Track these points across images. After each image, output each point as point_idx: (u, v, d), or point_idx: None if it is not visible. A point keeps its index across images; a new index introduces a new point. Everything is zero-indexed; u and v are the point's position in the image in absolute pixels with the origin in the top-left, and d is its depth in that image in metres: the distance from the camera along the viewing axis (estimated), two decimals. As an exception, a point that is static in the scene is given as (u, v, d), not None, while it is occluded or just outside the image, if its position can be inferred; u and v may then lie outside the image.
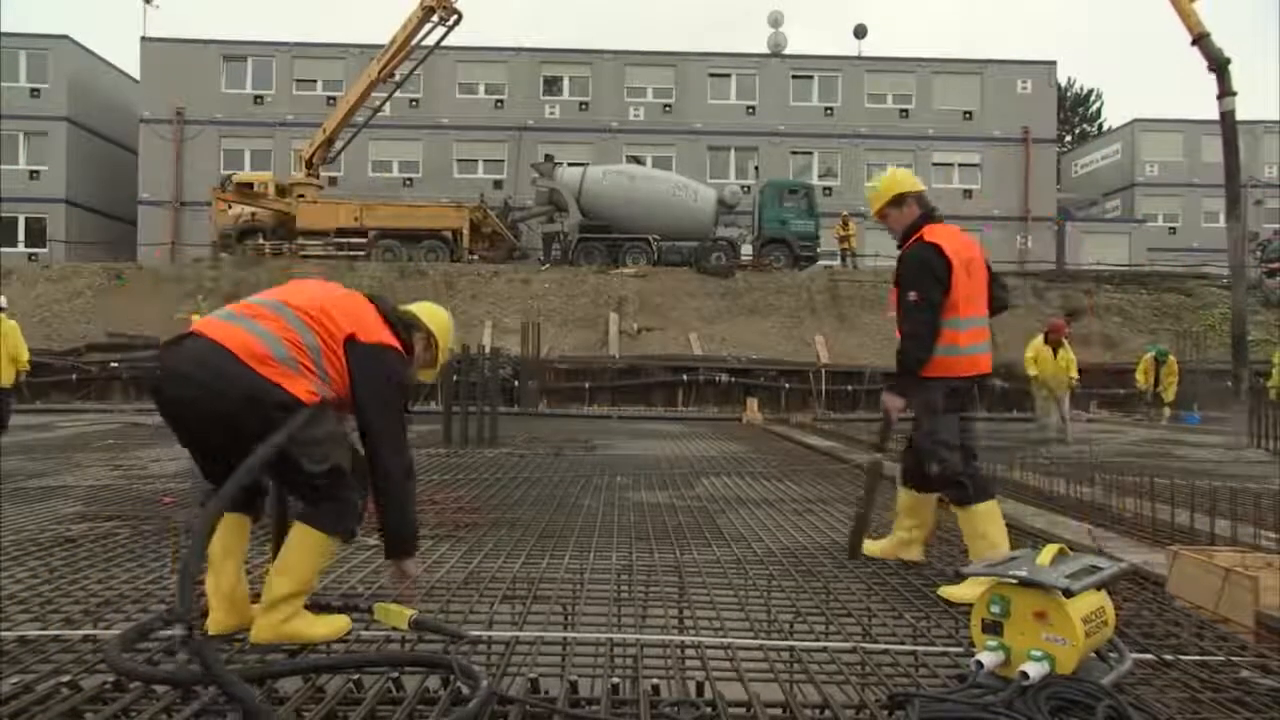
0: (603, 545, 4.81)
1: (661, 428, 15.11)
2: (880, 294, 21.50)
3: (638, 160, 30.88)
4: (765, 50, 35.32)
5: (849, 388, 19.84)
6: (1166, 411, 16.82)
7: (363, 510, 3.06)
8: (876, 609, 3.61)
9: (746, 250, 26.95)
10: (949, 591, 3.73)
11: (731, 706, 2.49)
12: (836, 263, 28.26)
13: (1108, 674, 2.58)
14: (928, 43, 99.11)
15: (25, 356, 10.59)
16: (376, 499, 3.03)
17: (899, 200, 4.21)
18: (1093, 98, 57.60)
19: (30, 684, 2.58)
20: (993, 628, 2.63)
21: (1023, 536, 4.98)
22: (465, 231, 26.70)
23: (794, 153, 33.70)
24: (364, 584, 3.83)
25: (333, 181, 29.93)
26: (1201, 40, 14.06)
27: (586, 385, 20.14)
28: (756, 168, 32.96)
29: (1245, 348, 16.60)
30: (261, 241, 26.91)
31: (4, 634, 3.08)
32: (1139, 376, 17.27)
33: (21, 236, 31.78)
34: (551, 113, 33.47)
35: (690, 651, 3.00)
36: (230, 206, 27.17)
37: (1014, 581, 2.59)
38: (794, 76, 34.09)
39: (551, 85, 33.84)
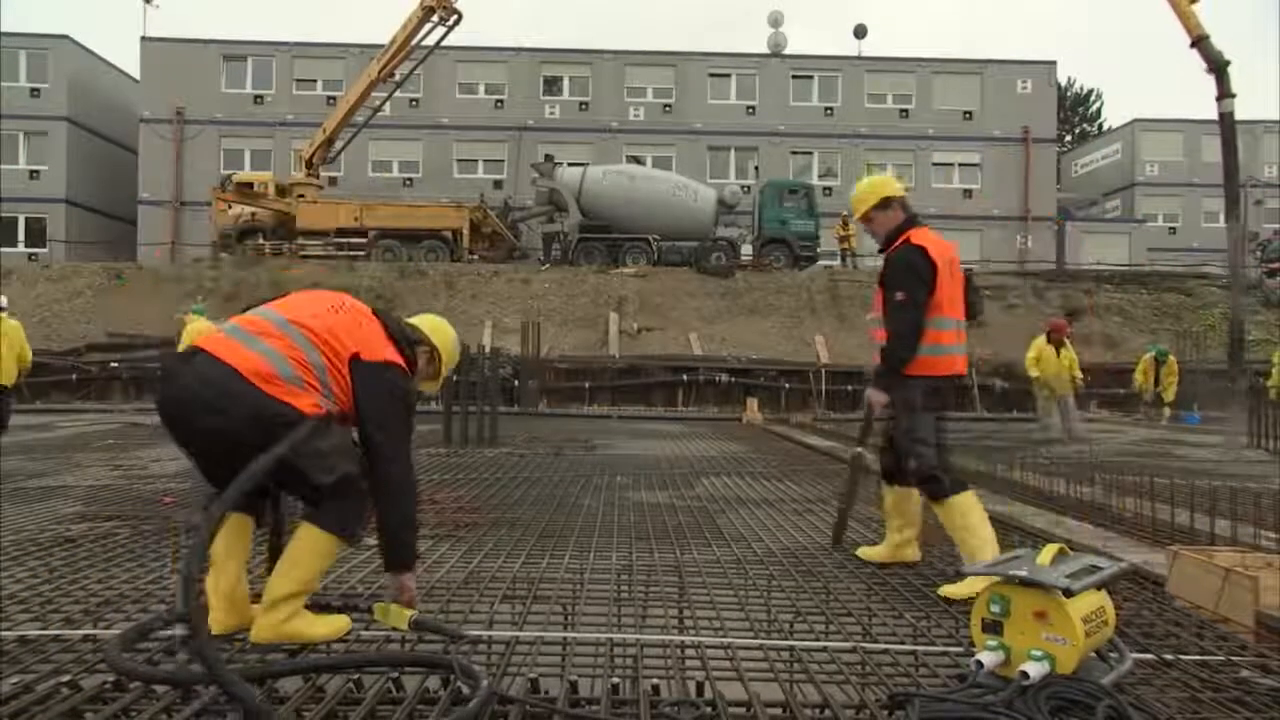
0: (603, 545, 4.82)
1: (661, 428, 15.11)
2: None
3: (638, 160, 30.87)
4: (765, 50, 35.31)
5: (849, 388, 19.74)
6: (1166, 411, 16.80)
7: (367, 513, 3.07)
8: (876, 609, 3.61)
9: (746, 250, 26.95)
10: (949, 590, 3.75)
11: (731, 706, 2.49)
12: (836, 263, 28.27)
13: (1108, 674, 2.58)
14: (928, 43, 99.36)
15: (29, 356, 10.61)
16: (377, 512, 3.05)
17: (885, 204, 4.32)
18: (1093, 98, 57.70)
19: (30, 684, 2.57)
20: (993, 627, 2.63)
21: (1023, 536, 4.99)
22: (465, 231, 26.72)
23: (794, 153, 33.69)
24: (364, 584, 3.83)
25: (333, 181, 29.92)
26: (1201, 42, 14.01)
27: (586, 385, 20.14)
28: (756, 168, 32.94)
29: (1242, 352, 16.59)
30: (261, 241, 26.91)
31: (4, 634, 3.08)
32: (1139, 376, 17.25)
33: (21, 236, 31.79)
34: (551, 113, 33.46)
35: (690, 651, 3.00)
36: (230, 206, 27.18)
37: (1015, 581, 2.60)
38: (794, 76, 34.08)
39: (551, 85, 33.84)
